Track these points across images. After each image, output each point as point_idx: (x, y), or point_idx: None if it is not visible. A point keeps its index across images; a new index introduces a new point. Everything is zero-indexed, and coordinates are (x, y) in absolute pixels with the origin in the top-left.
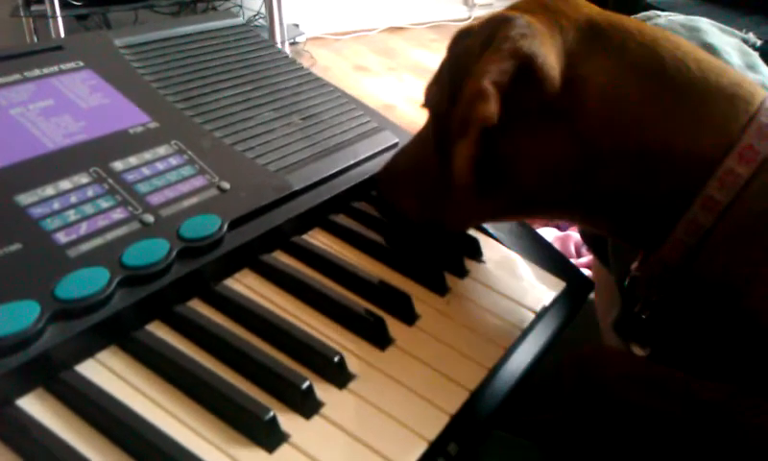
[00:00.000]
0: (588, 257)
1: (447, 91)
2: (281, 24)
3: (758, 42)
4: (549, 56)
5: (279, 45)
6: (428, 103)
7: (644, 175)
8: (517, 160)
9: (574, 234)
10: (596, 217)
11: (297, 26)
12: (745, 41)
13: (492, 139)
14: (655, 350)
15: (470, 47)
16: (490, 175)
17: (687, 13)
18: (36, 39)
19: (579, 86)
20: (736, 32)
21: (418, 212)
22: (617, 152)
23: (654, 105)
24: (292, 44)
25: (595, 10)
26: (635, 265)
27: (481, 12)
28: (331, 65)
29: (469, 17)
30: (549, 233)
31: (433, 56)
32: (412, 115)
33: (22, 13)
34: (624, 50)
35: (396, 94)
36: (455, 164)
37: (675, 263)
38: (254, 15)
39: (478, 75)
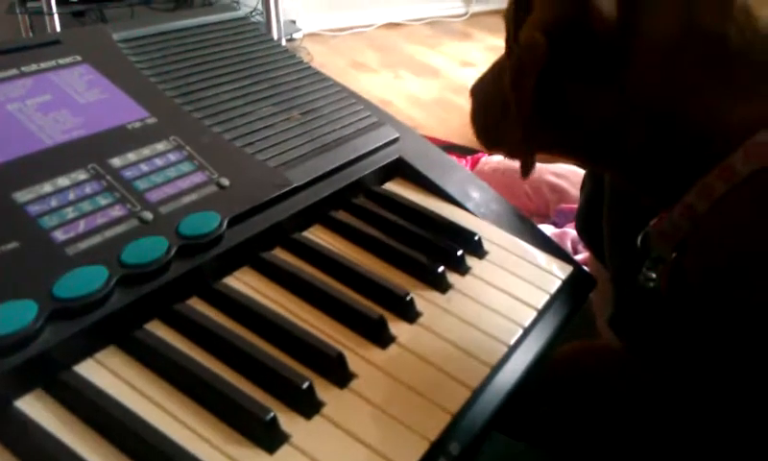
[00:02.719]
0: (584, 254)
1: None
2: (278, 20)
3: None
4: None
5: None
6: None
7: (678, 138)
8: (567, 101)
9: (571, 231)
10: (628, 169)
11: (293, 22)
12: None
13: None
14: (645, 341)
15: None
16: (546, 108)
17: None
18: (31, 36)
19: (632, 38)
20: None
21: (490, 134)
22: (658, 113)
23: (704, 73)
24: (289, 40)
25: None
26: (653, 222)
27: (478, 8)
28: (328, 62)
29: (466, 13)
30: (546, 230)
31: (430, 52)
32: (409, 112)
33: (18, 10)
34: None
35: (393, 91)
36: (516, 101)
37: (683, 225)
38: (251, 11)
39: (533, 24)
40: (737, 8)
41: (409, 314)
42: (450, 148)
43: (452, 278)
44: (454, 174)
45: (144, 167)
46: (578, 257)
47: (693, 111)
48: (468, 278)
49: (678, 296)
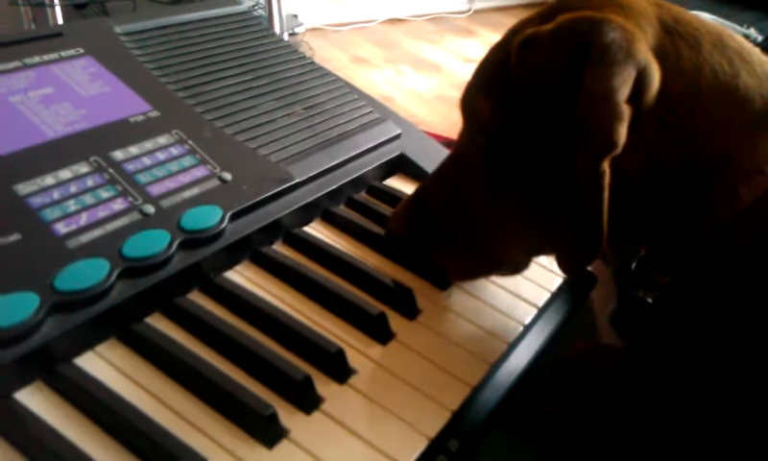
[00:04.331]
0: None
1: (519, 110)
2: (280, 14)
3: (759, 38)
4: (653, 61)
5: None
6: (474, 122)
7: (696, 181)
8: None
9: None
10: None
11: (296, 17)
12: (746, 37)
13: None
14: (646, 343)
15: (554, 60)
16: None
17: (689, 8)
18: (33, 28)
19: (661, 95)
20: (737, 27)
21: (466, 267)
22: (679, 161)
23: (720, 115)
24: (291, 35)
25: (654, 2)
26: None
27: (481, 5)
28: (330, 57)
29: (469, 10)
30: None
31: (432, 48)
32: (410, 108)
33: (20, 2)
34: (699, 52)
35: (395, 86)
36: (594, 195)
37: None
38: (253, 5)
39: (609, 91)
40: (737, 54)
41: (410, 311)
42: (452, 144)
43: None
44: None
45: (146, 161)
46: None
47: (705, 156)
48: None
49: (672, 308)
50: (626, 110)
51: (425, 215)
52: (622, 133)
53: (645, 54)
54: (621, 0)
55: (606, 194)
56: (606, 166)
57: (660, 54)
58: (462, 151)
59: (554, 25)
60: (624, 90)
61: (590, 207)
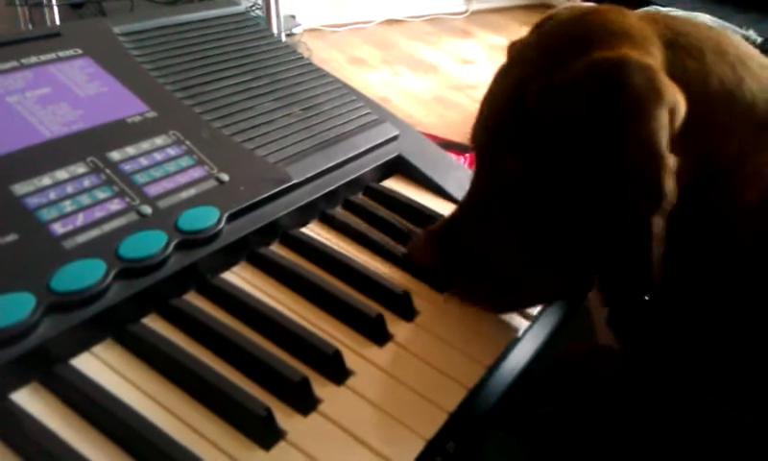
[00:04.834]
0: None
1: (539, 156)
2: (278, 15)
3: (759, 39)
4: (678, 92)
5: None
6: (489, 163)
7: (707, 185)
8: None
9: None
10: None
11: (293, 17)
12: (745, 38)
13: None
14: (643, 344)
15: (578, 109)
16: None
17: (688, 10)
18: (31, 28)
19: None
20: (737, 28)
21: (505, 302)
22: (696, 171)
23: (730, 121)
24: (288, 35)
25: (648, 18)
26: None
27: (478, 6)
28: (327, 57)
29: (467, 11)
30: None
31: (429, 49)
32: (407, 109)
33: (18, 2)
34: (703, 62)
35: (392, 87)
36: (644, 244)
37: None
38: (251, 6)
39: (653, 140)
40: (738, 60)
41: (407, 312)
42: (449, 146)
43: None
44: (453, 172)
45: (143, 161)
46: None
47: (717, 162)
48: None
49: (670, 305)
50: (671, 159)
51: (456, 250)
52: (671, 183)
53: (673, 90)
54: (621, 26)
55: (655, 243)
56: (657, 217)
57: (671, 74)
58: (481, 190)
59: (574, 73)
60: (665, 136)
61: (639, 253)
